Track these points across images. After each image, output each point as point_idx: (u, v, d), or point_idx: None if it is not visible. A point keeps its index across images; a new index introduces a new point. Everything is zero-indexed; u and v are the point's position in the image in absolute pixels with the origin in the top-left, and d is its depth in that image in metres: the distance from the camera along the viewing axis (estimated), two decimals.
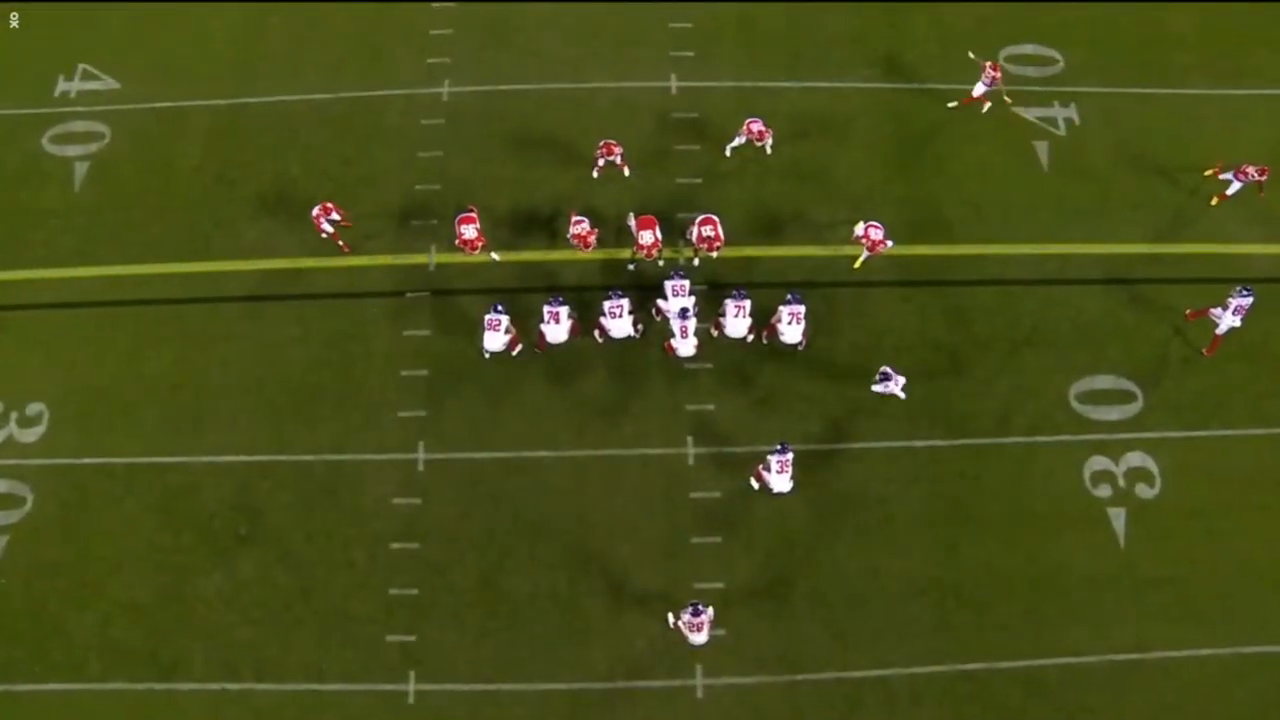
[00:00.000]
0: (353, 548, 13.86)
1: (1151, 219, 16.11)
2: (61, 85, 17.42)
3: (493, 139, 16.69)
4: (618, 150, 15.69)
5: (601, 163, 15.80)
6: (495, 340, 14.42)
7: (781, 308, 14.30)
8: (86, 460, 14.51)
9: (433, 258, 15.72)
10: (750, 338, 14.68)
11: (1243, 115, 16.94)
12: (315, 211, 15.08)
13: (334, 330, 15.24)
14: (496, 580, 13.61)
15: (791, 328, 14.29)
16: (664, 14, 17.70)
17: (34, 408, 14.91)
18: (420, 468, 14.19)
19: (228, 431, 14.61)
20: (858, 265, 15.43)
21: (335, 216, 15.15)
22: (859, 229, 15.01)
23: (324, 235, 15.28)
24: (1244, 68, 17.39)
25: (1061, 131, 16.77)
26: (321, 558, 13.80)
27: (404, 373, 14.80)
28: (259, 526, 14.04)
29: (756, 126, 15.72)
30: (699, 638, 12.65)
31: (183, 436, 14.60)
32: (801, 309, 14.26)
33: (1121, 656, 13.14)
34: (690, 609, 12.53)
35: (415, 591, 13.59)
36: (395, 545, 13.84)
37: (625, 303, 14.24)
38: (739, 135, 15.99)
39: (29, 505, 14.24)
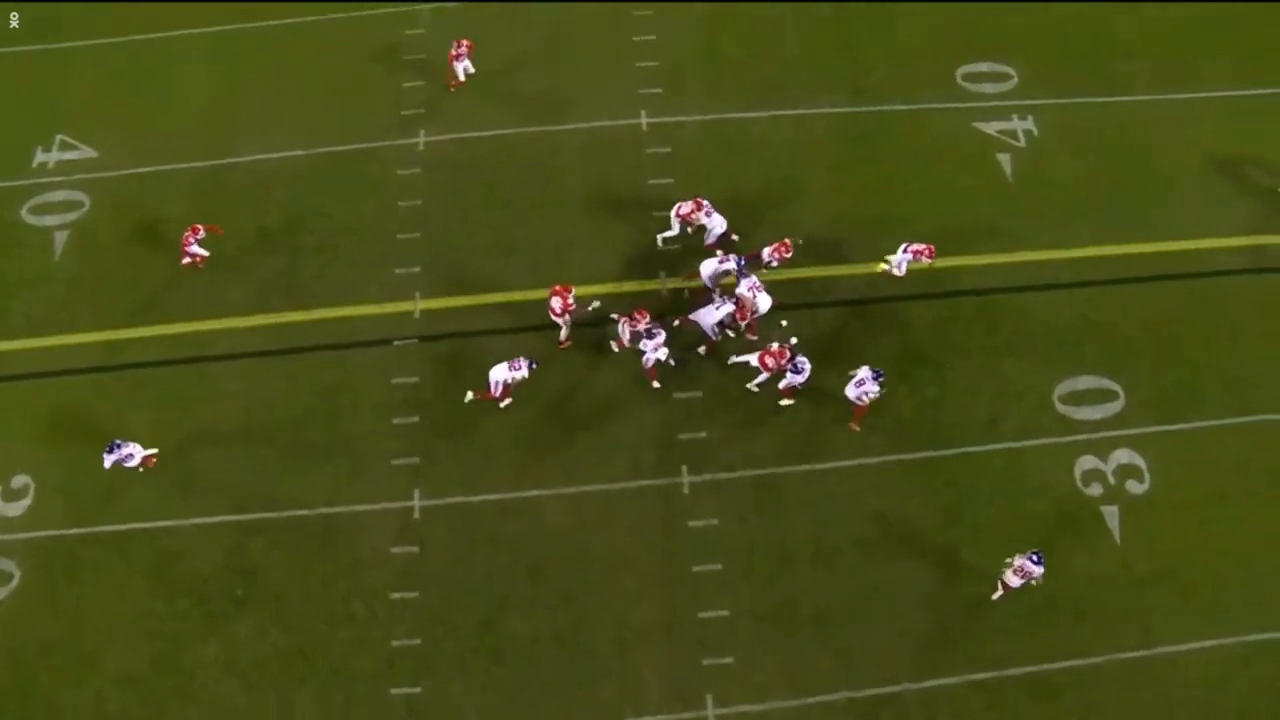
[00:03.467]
0: (352, 601, 13.67)
1: (1113, 221, 16.49)
2: (40, 156, 17.51)
3: (471, 185, 16.94)
4: (643, 318, 14.54)
5: (627, 334, 14.62)
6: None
7: (741, 291, 14.49)
8: (74, 531, 14.25)
9: (418, 304, 15.80)
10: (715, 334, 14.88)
11: (1190, 118, 17.56)
12: (186, 234, 15.34)
13: (322, 383, 15.22)
14: (499, 624, 13.45)
15: (761, 297, 14.52)
16: (631, 54, 18.25)
17: (19, 480, 14.67)
18: (416, 515, 14.10)
19: (218, 492, 14.46)
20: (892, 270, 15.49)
21: (202, 235, 15.36)
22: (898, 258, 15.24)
23: (188, 259, 15.43)
24: (1187, 74, 18.06)
25: (1022, 143, 17.27)
26: (320, 614, 13.59)
27: (395, 421, 14.78)
28: (255, 587, 13.81)
29: (685, 209, 15.10)
30: (1015, 580, 12.84)
31: (172, 500, 14.41)
32: (756, 280, 14.51)
33: (1128, 654, 13.10)
34: (1033, 556, 12.61)
35: (417, 641, 13.39)
36: (395, 595, 13.66)
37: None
38: (674, 224, 15.34)
39: (15, 581, 13.92)
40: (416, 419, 14.81)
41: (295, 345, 15.53)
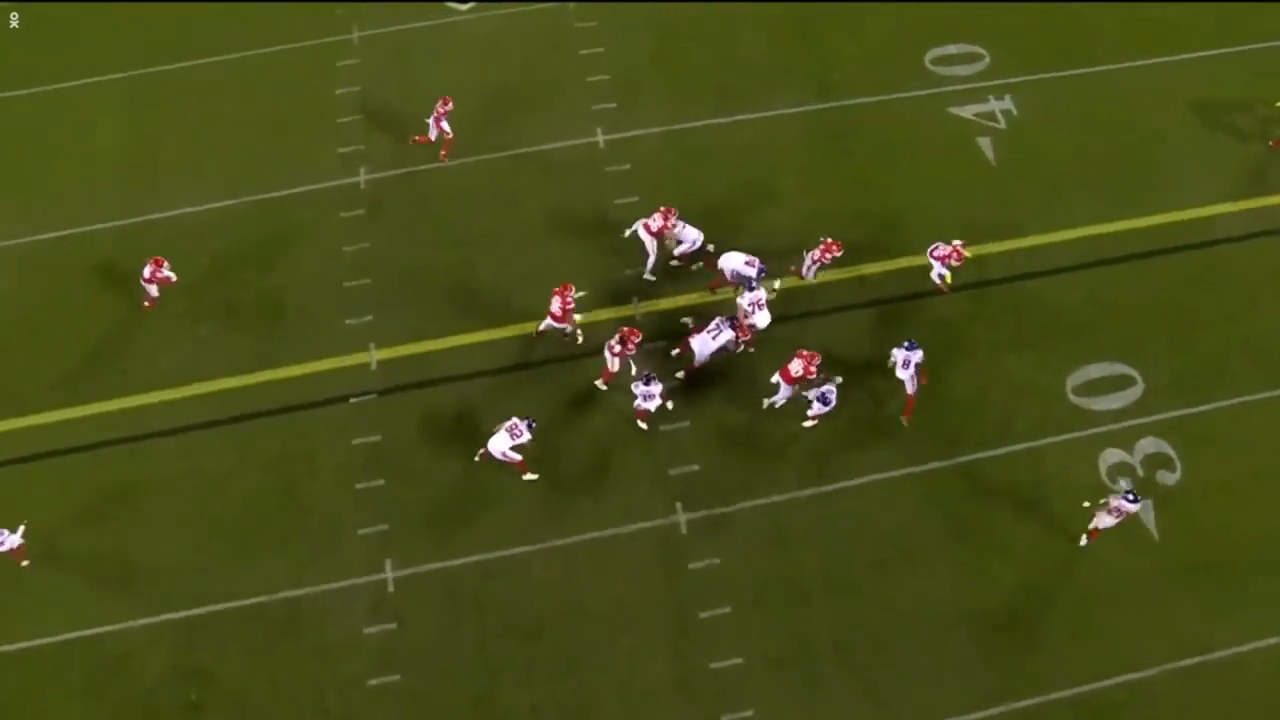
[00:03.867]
0: (325, 692, 12.42)
1: (1109, 196, 16.01)
2: None
3: (421, 222, 16.15)
4: (635, 338, 13.83)
5: (615, 363, 13.94)
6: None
7: (741, 301, 14.02)
8: None
9: (374, 356, 14.84)
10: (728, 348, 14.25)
11: (1170, 82, 17.28)
12: (146, 274, 14.56)
13: (274, 451, 14.14)
14: (493, 700, 12.32)
15: (760, 314, 14.04)
16: (579, 69, 17.80)
17: None
18: (390, 588, 13.02)
19: (164, 586, 13.16)
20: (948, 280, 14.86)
21: (166, 273, 14.70)
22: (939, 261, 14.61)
23: (156, 286, 14.79)
24: (1159, 38, 17.82)
25: (1002, 124, 16.84)
26: (290, 710, 12.30)
27: (359, 486, 13.77)
28: (212, 688, 12.46)
29: (655, 224, 14.51)
30: (1109, 520, 12.60)
31: (111, 601, 13.05)
32: (763, 294, 14.03)
33: (1185, 662, 12.29)
34: (1129, 495, 12.41)
35: None
36: (373, 681, 12.46)
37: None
38: (648, 241, 14.69)
39: None
40: (382, 482, 13.80)
41: (240, 413, 14.45)
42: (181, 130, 17.20)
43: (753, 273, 14.29)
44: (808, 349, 13.67)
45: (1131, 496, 12.40)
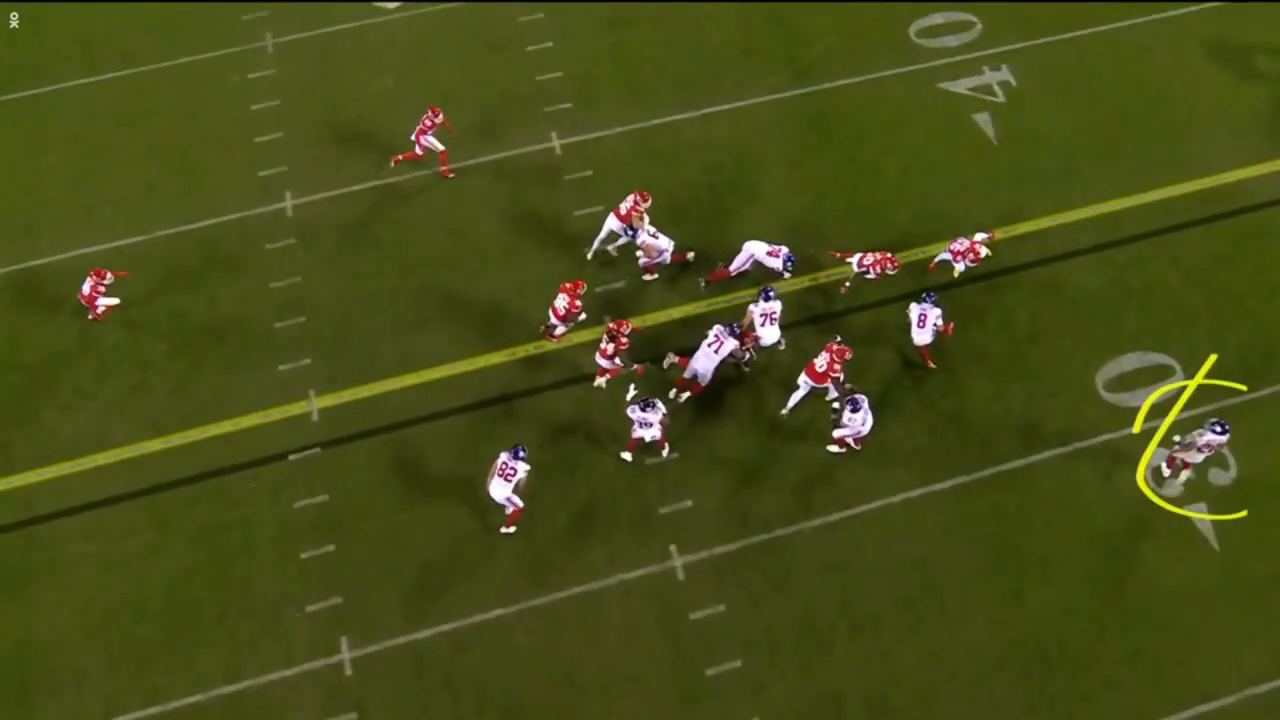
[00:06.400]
0: None
1: (1127, 167, 15.18)
2: None
3: (360, 249, 14.85)
4: (622, 329, 12.90)
5: (607, 363, 13.03)
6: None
7: (753, 308, 13.15)
8: None
9: (314, 404, 13.40)
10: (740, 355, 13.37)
11: (1180, 36, 16.59)
12: (86, 290, 13.70)
13: (201, 523, 12.59)
14: None
15: (768, 329, 13.15)
16: (527, 67, 16.78)
17: None
18: (348, 671, 11.58)
19: (72, 694, 11.43)
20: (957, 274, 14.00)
21: (110, 280, 13.83)
22: (959, 246, 13.68)
23: (99, 311, 13.89)
24: None
25: (1000, 98, 16.05)
26: None
27: (304, 555, 12.35)
28: None
29: (624, 207, 13.75)
30: (1198, 457, 12.07)
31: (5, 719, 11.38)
32: (777, 306, 13.10)
33: (1265, 686, 11.18)
34: (1216, 426, 11.82)
35: None
36: None
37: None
38: (623, 232, 13.92)
39: None
40: (332, 548, 12.36)
41: (159, 482, 12.88)
42: (66, 164, 15.74)
43: (778, 264, 13.36)
44: (838, 343, 12.64)
45: (1219, 427, 11.74)
